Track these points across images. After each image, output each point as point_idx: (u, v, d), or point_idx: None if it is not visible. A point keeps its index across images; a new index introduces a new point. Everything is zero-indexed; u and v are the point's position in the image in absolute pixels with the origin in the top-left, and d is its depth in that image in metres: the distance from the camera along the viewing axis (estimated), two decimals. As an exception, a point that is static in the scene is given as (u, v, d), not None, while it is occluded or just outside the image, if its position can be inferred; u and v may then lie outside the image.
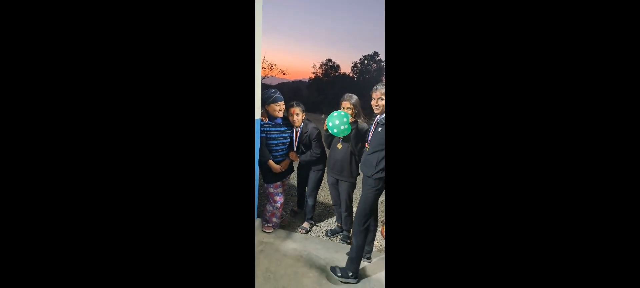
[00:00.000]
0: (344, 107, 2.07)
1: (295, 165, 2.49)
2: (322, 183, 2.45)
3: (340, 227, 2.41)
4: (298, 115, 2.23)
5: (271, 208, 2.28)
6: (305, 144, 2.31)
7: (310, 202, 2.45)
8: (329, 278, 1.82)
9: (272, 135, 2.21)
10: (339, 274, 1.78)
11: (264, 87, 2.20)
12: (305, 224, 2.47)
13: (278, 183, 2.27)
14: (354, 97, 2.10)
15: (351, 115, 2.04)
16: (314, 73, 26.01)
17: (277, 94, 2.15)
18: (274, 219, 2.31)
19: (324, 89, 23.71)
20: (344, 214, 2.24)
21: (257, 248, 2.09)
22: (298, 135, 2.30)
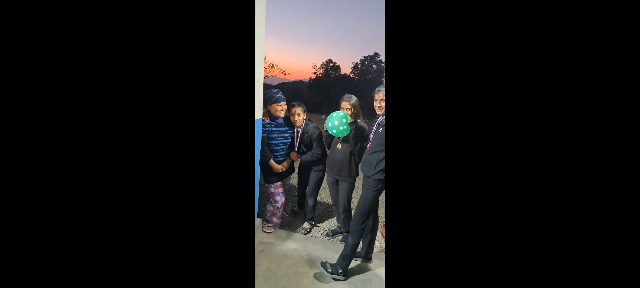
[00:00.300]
0: (343, 108, 2.07)
1: (296, 165, 2.49)
2: (323, 184, 2.45)
3: (341, 228, 2.41)
4: (299, 116, 2.23)
5: (272, 208, 2.28)
6: (306, 144, 2.31)
7: (310, 202, 2.45)
8: (328, 279, 1.83)
9: (273, 135, 2.21)
10: (330, 270, 1.82)
11: (265, 87, 2.20)
12: (306, 224, 2.47)
13: (279, 183, 2.27)
14: (354, 98, 2.11)
15: (350, 115, 2.05)
16: (314, 73, 26.04)
17: (279, 94, 2.16)
18: (275, 219, 2.31)
19: (324, 89, 23.73)
20: (342, 215, 2.24)
21: (258, 248, 2.10)
22: (299, 136, 2.30)
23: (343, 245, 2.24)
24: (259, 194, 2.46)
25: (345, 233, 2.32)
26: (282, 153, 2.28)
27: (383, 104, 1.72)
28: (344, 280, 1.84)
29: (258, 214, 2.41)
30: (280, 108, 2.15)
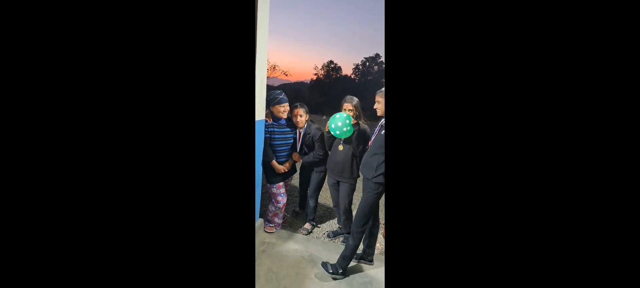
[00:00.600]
0: (345, 109, 2.08)
1: (298, 166, 2.49)
2: (324, 185, 2.46)
3: (341, 229, 2.41)
4: (302, 117, 2.24)
5: (273, 208, 2.29)
6: (308, 145, 2.32)
7: (311, 203, 2.45)
8: (329, 279, 1.83)
9: (275, 136, 2.22)
10: (330, 271, 1.84)
11: (268, 88, 2.21)
12: (307, 225, 2.48)
13: (281, 183, 2.28)
14: (355, 99, 2.12)
15: (352, 116, 2.05)
16: (315, 74, 26.03)
17: (282, 96, 2.17)
18: (276, 219, 2.32)
19: (325, 90, 23.72)
20: (343, 217, 2.25)
21: (260, 248, 2.10)
22: (301, 136, 2.31)
23: (344, 246, 2.24)
24: (261, 194, 2.47)
25: (346, 235, 2.32)
26: (284, 154, 2.29)
27: (378, 105, 1.73)
28: (343, 279, 1.84)
29: (260, 214, 2.42)
30: (283, 109, 2.17)
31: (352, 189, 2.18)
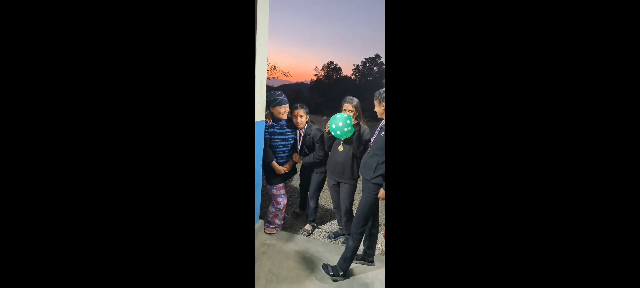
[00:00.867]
0: (345, 110, 2.08)
1: (298, 166, 2.49)
2: (325, 186, 2.45)
3: (342, 230, 2.41)
4: (302, 117, 2.24)
5: (274, 209, 2.28)
6: (309, 145, 2.32)
7: (312, 204, 2.45)
8: (330, 281, 1.83)
9: (275, 137, 2.22)
10: (331, 273, 1.84)
11: (267, 88, 2.21)
12: (307, 226, 2.47)
13: (281, 184, 2.27)
14: (355, 100, 2.12)
15: (352, 117, 2.06)
16: (315, 75, 26.06)
17: (283, 97, 2.16)
18: (277, 221, 2.32)
19: (325, 91, 23.74)
20: (344, 218, 2.24)
21: (260, 249, 2.10)
22: (301, 137, 2.31)
23: (345, 246, 2.24)
24: (261, 196, 2.47)
25: (346, 236, 2.32)
26: (284, 154, 2.28)
27: (378, 108, 1.72)
28: (344, 281, 1.84)
29: (260, 216, 2.41)
30: (283, 111, 2.16)
31: (353, 190, 2.18)
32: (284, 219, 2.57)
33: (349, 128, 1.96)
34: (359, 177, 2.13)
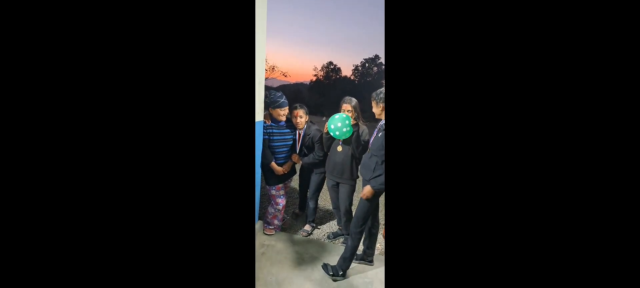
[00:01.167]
0: (344, 110, 2.08)
1: (298, 167, 2.49)
2: (324, 187, 2.45)
3: (342, 230, 2.41)
4: (301, 118, 2.23)
5: (273, 210, 2.28)
6: (308, 146, 2.31)
7: (311, 204, 2.45)
8: (330, 281, 1.83)
9: (274, 137, 2.21)
10: (331, 273, 1.84)
11: (266, 89, 2.20)
12: (307, 227, 2.47)
13: (280, 185, 2.27)
14: (354, 100, 2.12)
15: (351, 117, 2.06)
16: (315, 75, 26.07)
17: (283, 99, 2.13)
18: (276, 221, 2.31)
19: (325, 91, 23.75)
20: (343, 218, 2.24)
21: (259, 250, 2.10)
22: (301, 138, 2.30)
23: (344, 247, 2.24)
24: (260, 196, 2.46)
25: (346, 236, 2.32)
26: (283, 155, 2.28)
27: (376, 109, 1.73)
28: (344, 281, 1.84)
29: (259, 216, 2.41)
30: (283, 113, 2.15)
31: (352, 190, 2.18)
32: (283, 220, 2.57)
33: (348, 128, 1.96)
34: (358, 177, 2.13)
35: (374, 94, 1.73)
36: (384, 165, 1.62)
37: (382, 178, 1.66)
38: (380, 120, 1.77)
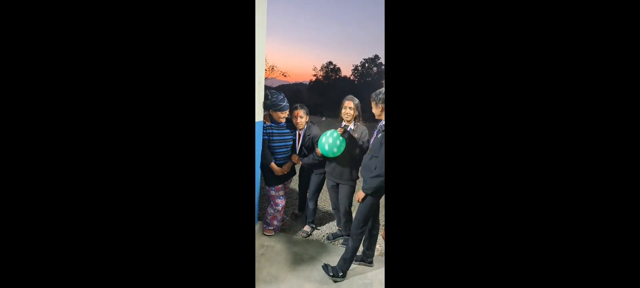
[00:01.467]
0: (346, 106, 2.08)
1: (297, 168, 2.48)
2: (324, 187, 2.45)
3: (341, 231, 2.40)
4: (302, 118, 2.22)
5: (272, 211, 2.27)
6: (308, 146, 2.31)
7: (311, 205, 2.44)
8: (330, 282, 1.82)
9: (274, 138, 2.21)
10: (331, 273, 1.85)
11: (267, 89, 2.18)
12: (307, 228, 2.46)
13: (280, 186, 2.26)
14: (356, 100, 2.13)
15: (352, 116, 2.06)
16: (314, 75, 26.06)
17: (285, 103, 2.10)
18: (275, 222, 2.31)
19: (324, 91, 23.75)
20: (343, 219, 2.24)
21: (259, 251, 2.09)
22: (301, 138, 2.30)
23: (344, 248, 2.23)
24: (260, 197, 2.46)
25: (345, 237, 2.32)
26: (283, 155, 2.27)
27: (375, 110, 1.72)
28: (344, 282, 1.84)
29: (259, 217, 2.41)
30: (283, 115, 2.13)
31: (352, 191, 2.17)
32: (283, 221, 2.56)
33: (341, 140, 1.96)
34: (358, 178, 2.12)
35: (373, 95, 1.73)
36: (383, 166, 1.61)
37: (372, 181, 1.65)
38: (380, 121, 1.77)
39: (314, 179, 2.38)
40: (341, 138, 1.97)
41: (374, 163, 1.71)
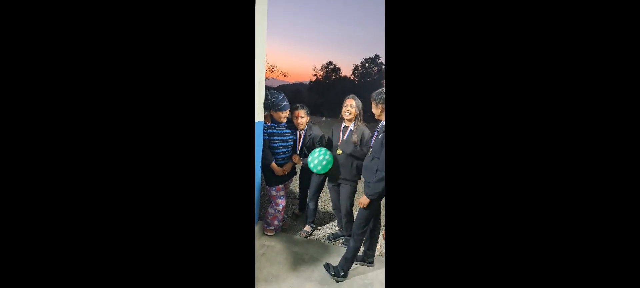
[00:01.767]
0: (348, 104, 2.08)
1: (298, 168, 2.48)
2: (324, 188, 2.45)
3: (342, 231, 2.40)
4: (303, 118, 2.22)
5: (273, 211, 2.28)
6: (309, 146, 2.31)
7: (311, 205, 2.44)
8: (330, 282, 1.82)
9: (275, 138, 2.21)
10: (332, 273, 1.85)
11: (267, 89, 2.18)
12: (307, 228, 2.46)
13: (280, 186, 2.26)
14: (359, 100, 2.14)
15: (353, 116, 2.06)
16: (314, 75, 26.05)
17: (285, 102, 2.10)
18: (276, 222, 2.31)
19: (324, 91, 23.74)
20: (344, 219, 2.23)
21: (259, 251, 2.09)
22: (302, 138, 2.30)
23: (344, 248, 2.23)
24: (260, 197, 2.46)
25: (346, 237, 2.32)
26: (283, 156, 2.27)
27: (375, 110, 1.72)
28: (344, 282, 1.84)
29: (259, 217, 2.41)
30: (284, 115, 2.13)
31: (353, 191, 2.17)
32: (283, 221, 2.56)
33: (328, 155, 2.03)
34: (359, 178, 2.13)
35: (373, 95, 1.73)
36: (384, 168, 1.61)
37: (376, 186, 1.65)
38: (380, 121, 1.77)
39: (315, 179, 2.38)
40: (329, 155, 2.04)
41: (375, 165, 1.70)
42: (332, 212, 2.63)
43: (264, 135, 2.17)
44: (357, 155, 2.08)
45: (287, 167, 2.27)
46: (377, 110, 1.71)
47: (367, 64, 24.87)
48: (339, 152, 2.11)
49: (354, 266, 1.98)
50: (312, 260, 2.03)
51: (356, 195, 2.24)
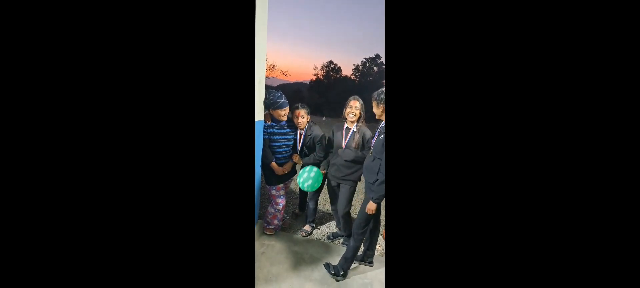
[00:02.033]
0: (352, 105, 2.08)
1: (298, 167, 2.48)
2: (324, 187, 2.45)
3: (341, 231, 2.40)
4: (303, 118, 2.22)
5: (273, 210, 2.28)
6: (309, 146, 2.31)
7: (311, 205, 2.44)
8: (330, 281, 1.83)
9: (275, 137, 2.21)
10: (332, 272, 1.86)
11: (266, 88, 2.18)
12: (307, 227, 2.47)
13: (280, 185, 2.26)
14: (361, 101, 2.14)
15: (355, 117, 2.06)
16: (315, 75, 26.03)
17: (283, 100, 2.11)
18: (276, 221, 2.31)
19: (325, 91, 23.72)
20: (342, 220, 2.24)
21: (259, 250, 2.09)
22: (302, 138, 2.30)
23: (344, 247, 2.24)
24: (260, 196, 2.46)
25: (345, 237, 2.32)
26: (284, 155, 2.27)
27: (376, 110, 1.72)
28: (343, 281, 1.84)
29: (259, 216, 2.41)
30: (283, 113, 2.14)
31: (353, 191, 2.17)
32: (283, 220, 2.56)
33: (315, 174, 2.11)
34: (359, 179, 2.13)
35: (374, 94, 1.72)
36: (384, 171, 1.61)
37: (380, 188, 1.65)
38: (381, 121, 1.77)
39: (315, 179, 2.38)
40: (319, 173, 2.13)
41: (376, 165, 1.70)
42: (332, 211, 2.63)
43: (264, 135, 2.18)
44: (358, 160, 2.08)
45: (287, 167, 2.27)
46: (379, 110, 1.70)
47: (367, 64, 24.84)
48: (340, 152, 2.11)
49: (353, 265, 1.98)
50: (312, 260, 2.04)
51: (356, 196, 2.24)
